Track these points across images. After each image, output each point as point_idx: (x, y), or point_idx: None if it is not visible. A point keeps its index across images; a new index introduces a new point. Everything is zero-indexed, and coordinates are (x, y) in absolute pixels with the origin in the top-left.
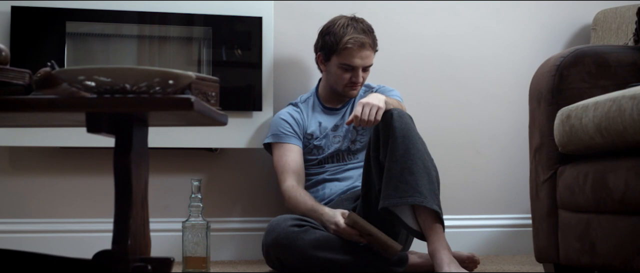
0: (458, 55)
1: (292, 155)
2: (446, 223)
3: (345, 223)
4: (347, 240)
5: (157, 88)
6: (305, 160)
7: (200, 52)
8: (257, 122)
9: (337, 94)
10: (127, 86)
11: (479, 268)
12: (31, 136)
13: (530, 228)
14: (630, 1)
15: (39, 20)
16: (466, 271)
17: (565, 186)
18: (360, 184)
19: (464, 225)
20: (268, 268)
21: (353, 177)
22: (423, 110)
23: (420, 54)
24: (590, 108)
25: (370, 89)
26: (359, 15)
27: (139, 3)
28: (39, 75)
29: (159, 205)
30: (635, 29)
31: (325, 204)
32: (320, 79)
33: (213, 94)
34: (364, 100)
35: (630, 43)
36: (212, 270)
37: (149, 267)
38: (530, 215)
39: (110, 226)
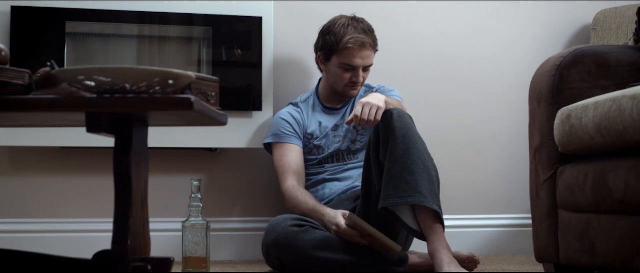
0: (458, 55)
1: (292, 155)
2: (446, 223)
3: (346, 224)
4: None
5: (157, 88)
6: (306, 160)
7: (200, 52)
8: (257, 122)
9: (337, 93)
10: (127, 86)
11: (479, 268)
12: (31, 136)
13: (530, 228)
14: (630, 1)
15: (39, 20)
16: (466, 271)
17: (565, 186)
18: (360, 184)
19: (464, 225)
20: (268, 269)
21: (353, 177)
22: (423, 110)
23: (420, 54)
24: (590, 108)
25: (370, 89)
26: (359, 15)
27: (138, 3)
28: (38, 75)
29: (159, 205)
30: (636, 29)
31: (325, 204)
32: (320, 79)
33: (213, 94)
34: (364, 100)
35: (631, 43)
36: (212, 270)
37: (149, 267)
38: (530, 215)
39: (110, 226)
